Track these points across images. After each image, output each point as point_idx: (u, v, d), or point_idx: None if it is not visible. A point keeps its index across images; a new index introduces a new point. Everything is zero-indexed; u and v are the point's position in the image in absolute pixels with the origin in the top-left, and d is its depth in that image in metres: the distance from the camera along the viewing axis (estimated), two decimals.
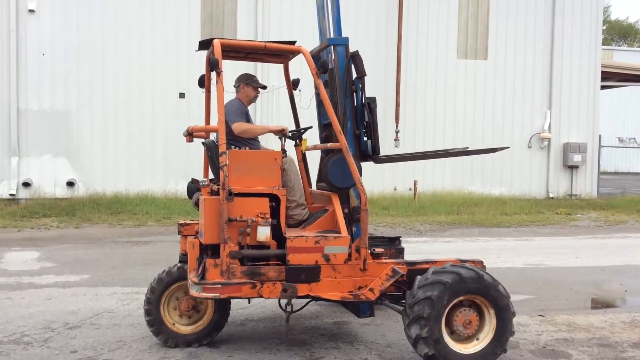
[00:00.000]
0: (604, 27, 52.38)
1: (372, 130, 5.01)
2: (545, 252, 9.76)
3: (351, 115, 4.99)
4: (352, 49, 5.00)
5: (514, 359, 4.64)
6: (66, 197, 13.85)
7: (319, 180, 5.29)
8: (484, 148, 6.01)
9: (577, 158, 17.28)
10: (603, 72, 18.37)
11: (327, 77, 5.02)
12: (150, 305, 4.78)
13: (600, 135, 18.23)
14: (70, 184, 14.10)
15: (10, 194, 13.72)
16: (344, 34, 5.20)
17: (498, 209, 14.84)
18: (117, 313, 5.76)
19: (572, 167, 17.50)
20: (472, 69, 16.78)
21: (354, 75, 4.99)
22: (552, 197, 17.23)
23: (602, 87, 18.97)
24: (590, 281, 7.65)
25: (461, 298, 4.31)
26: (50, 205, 13.03)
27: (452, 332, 4.34)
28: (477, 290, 4.31)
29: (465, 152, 5.98)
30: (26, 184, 13.88)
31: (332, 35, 5.18)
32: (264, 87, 5.44)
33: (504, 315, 4.35)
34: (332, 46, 5.00)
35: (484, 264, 4.87)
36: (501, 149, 6.02)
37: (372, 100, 5.03)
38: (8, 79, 13.73)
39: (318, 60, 5.16)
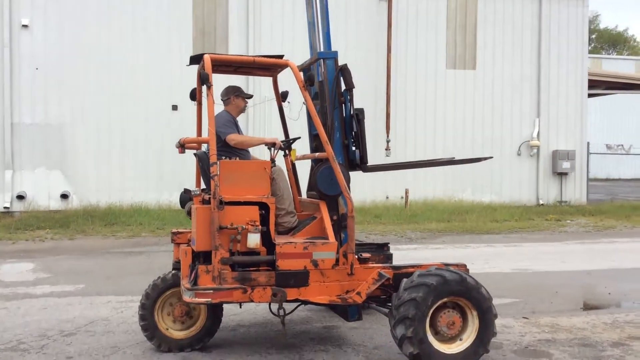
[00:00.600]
0: (593, 36, 53.04)
1: (360, 140, 5.19)
2: (533, 257, 9.95)
3: (340, 126, 5.17)
4: (342, 60, 5.18)
5: (497, 359, 4.79)
6: (60, 210, 13.95)
7: (309, 188, 5.45)
8: (469, 158, 6.22)
9: (566, 165, 17.53)
10: (591, 81, 18.68)
11: (318, 89, 5.20)
12: (144, 310, 4.93)
13: (588, 143, 18.49)
14: (64, 196, 14.22)
15: (5, 207, 13.82)
16: (334, 46, 5.40)
17: (488, 216, 15.05)
18: (112, 321, 5.88)
19: (562, 174, 17.75)
20: (461, 78, 17.04)
21: (343, 87, 5.17)
22: (542, 204, 17.45)
23: (590, 95, 19.27)
24: (575, 285, 7.83)
25: (445, 300, 4.47)
26: (45, 218, 13.14)
27: (436, 333, 4.50)
28: (461, 293, 4.47)
29: (450, 162, 6.18)
30: (20, 197, 13.98)
31: (322, 49, 5.36)
32: (251, 96, 5.64)
33: (486, 316, 4.51)
34: (322, 59, 5.16)
35: (467, 267, 5.03)
36: (485, 158, 6.24)
37: (360, 112, 5.21)
38: (2, 93, 13.87)
39: (309, 71, 5.37)
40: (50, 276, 8.12)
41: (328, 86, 5.09)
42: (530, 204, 17.41)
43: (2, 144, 13.91)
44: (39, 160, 14.16)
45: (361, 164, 5.24)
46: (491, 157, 6.51)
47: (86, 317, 6.03)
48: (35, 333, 5.44)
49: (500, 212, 15.59)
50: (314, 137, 5.35)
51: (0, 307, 6.39)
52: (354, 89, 5.16)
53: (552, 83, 17.58)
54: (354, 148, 5.23)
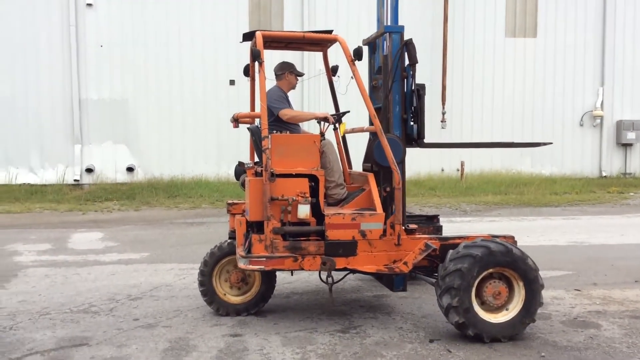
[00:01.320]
0: None
1: (419, 115, 5.25)
2: (591, 230, 9.77)
3: (400, 100, 5.24)
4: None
5: (544, 329, 4.85)
6: (126, 182, 14.64)
7: (365, 160, 5.56)
8: (528, 142, 6.21)
9: (631, 135, 16.91)
10: None
11: (381, 63, 5.27)
12: (203, 277, 5.24)
13: None
14: (130, 169, 14.88)
15: (75, 180, 14.60)
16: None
17: (547, 189, 14.77)
18: (174, 286, 6.26)
19: (626, 145, 17.15)
20: (521, 47, 16.60)
21: (407, 62, 5.24)
22: (605, 176, 16.95)
23: None
24: (632, 257, 7.68)
25: (491, 270, 4.54)
26: (112, 190, 13.83)
27: (482, 303, 4.59)
28: (506, 263, 4.54)
29: (509, 145, 6.17)
30: (89, 170, 14.73)
31: (389, 23, 5.43)
32: (302, 75, 5.77)
33: (533, 287, 4.56)
34: (388, 33, 5.23)
35: (515, 239, 5.06)
36: (545, 144, 6.22)
37: (422, 87, 5.25)
38: (69, 70, 14.54)
39: (375, 45, 5.42)
40: (117, 245, 8.63)
41: (392, 60, 5.16)
42: (593, 176, 16.93)
43: (71, 119, 14.63)
44: (106, 134, 14.84)
45: (418, 139, 5.31)
46: (551, 143, 6.44)
47: (151, 283, 6.42)
48: (104, 297, 5.86)
49: (560, 184, 15.27)
50: (376, 111, 5.43)
51: (72, 273, 6.89)
52: (417, 64, 5.21)
53: (617, 50, 16.87)
54: (412, 123, 5.31)
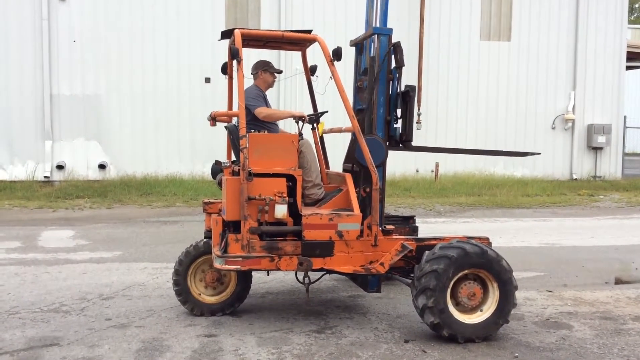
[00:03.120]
0: (637, 6, 51.18)
1: (407, 118, 5.26)
2: (562, 232, 9.94)
3: (384, 102, 5.25)
4: None
5: (517, 330, 4.91)
6: (98, 179, 14.42)
7: (346, 160, 5.55)
8: (517, 151, 6.28)
9: (601, 139, 17.23)
10: (630, 53, 18.22)
11: (368, 65, 5.28)
12: (178, 276, 5.18)
13: (625, 116, 18.09)
14: (102, 166, 14.66)
15: (45, 177, 14.34)
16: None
17: (520, 191, 14.97)
18: (148, 286, 6.18)
19: (597, 149, 17.48)
20: (495, 50, 16.80)
21: (393, 64, 5.24)
22: (575, 179, 17.25)
23: (629, 68, 18.79)
24: (602, 260, 7.84)
25: (466, 271, 4.58)
26: (83, 187, 13.61)
27: (457, 304, 4.63)
28: (481, 265, 4.58)
29: (497, 153, 6.24)
30: (60, 167, 14.47)
31: (377, 25, 5.43)
32: (280, 72, 5.75)
33: (507, 288, 4.61)
34: (376, 35, 5.23)
35: (490, 240, 5.12)
36: (532, 154, 6.30)
37: (412, 89, 5.26)
38: (41, 65, 14.26)
39: (362, 46, 5.43)
40: (89, 243, 8.49)
41: (379, 62, 5.16)
42: (564, 179, 17.22)
43: (42, 114, 14.35)
44: (77, 131, 14.59)
45: (405, 142, 5.32)
46: (539, 154, 6.52)
47: (123, 282, 6.33)
48: (76, 296, 5.76)
49: (532, 186, 15.49)
50: (357, 112, 5.43)
51: (42, 272, 6.75)
52: (403, 67, 5.22)
53: (589, 55, 17.19)
54: (395, 125, 5.31)
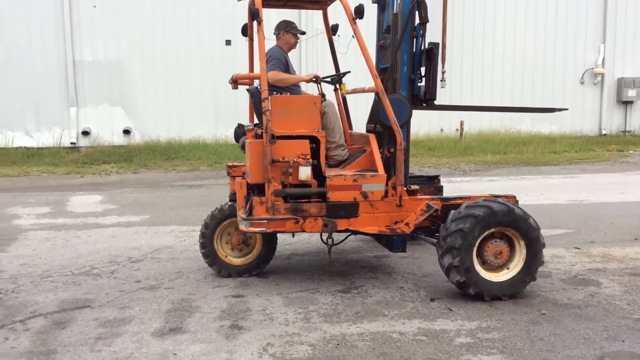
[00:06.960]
0: None
1: (430, 76, 5.15)
2: (591, 188, 9.78)
3: (408, 60, 5.15)
4: None
5: (545, 287, 4.88)
6: (123, 145, 14.55)
7: (369, 120, 5.47)
8: (543, 107, 6.12)
9: (631, 93, 16.79)
10: None
11: (391, 22, 5.16)
12: (204, 239, 5.24)
13: None
14: (127, 131, 14.77)
15: (71, 143, 14.51)
16: None
17: (547, 147, 14.74)
18: (175, 248, 6.27)
19: (627, 103, 17.06)
20: (522, 4, 16.31)
21: (417, 21, 5.12)
22: (604, 134, 16.90)
23: None
24: (632, 215, 7.70)
25: (492, 230, 4.54)
26: (109, 153, 13.76)
27: (483, 262, 4.61)
28: (508, 223, 4.53)
29: (523, 109, 6.10)
30: (85, 133, 14.62)
31: None
32: (303, 33, 5.64)
33: (534, 246, 4.57)
34: None
35: (517, 199, 5.05)
36: (560, 110, 6.15)
37: (435, 46, 5.14)
38: (63, 32, 14.27)
39: (385, 3, 5.30)
40: (117, 207, 8.62)
41: (402, 19, 5.04)
42: (592, 135, 16.89)
43: (65, 81, 14.44)
44: (101, 97, 14.67)
45: (428, 101, 5.23)
46: (566, 109, 6.35)
47: (151, 245, 6.44)
48: (105, 259, 5.88)
49: (559, 143, 15.23)
50: (381, 71, 5.35)
51: (72, 236, 6.89)
52: (427, 24, 5.09)
53: (619, 6, 16.60)
54: (420, 84, 5.22)
